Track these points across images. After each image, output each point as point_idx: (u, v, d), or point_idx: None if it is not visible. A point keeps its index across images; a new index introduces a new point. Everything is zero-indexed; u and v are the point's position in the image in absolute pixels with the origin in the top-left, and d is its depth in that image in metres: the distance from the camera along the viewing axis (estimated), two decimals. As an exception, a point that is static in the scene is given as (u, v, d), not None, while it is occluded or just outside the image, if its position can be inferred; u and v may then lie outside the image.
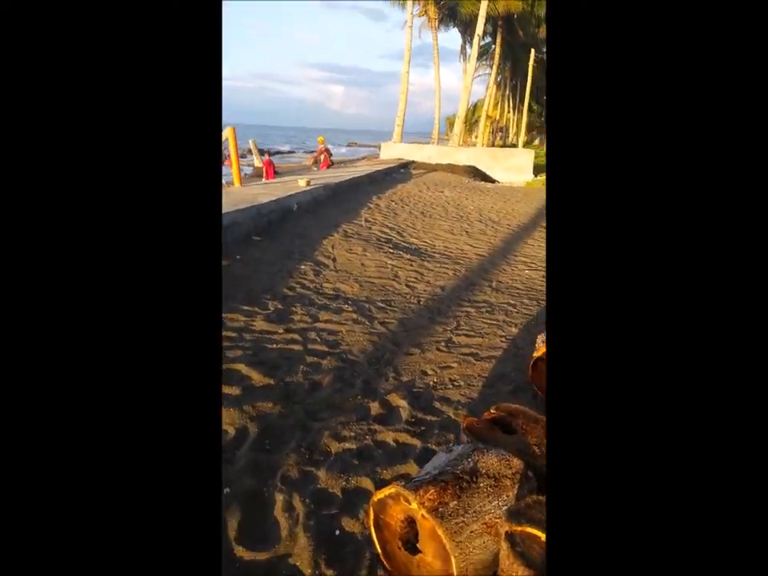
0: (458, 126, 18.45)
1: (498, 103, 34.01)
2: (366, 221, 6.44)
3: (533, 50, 15.71)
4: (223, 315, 3.05)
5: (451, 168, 13.80)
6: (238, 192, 6.24)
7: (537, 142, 40.47)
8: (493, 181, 13.66)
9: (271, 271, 4.10)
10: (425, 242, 5.63)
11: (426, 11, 19.96)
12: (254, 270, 4.09)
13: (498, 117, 36.66)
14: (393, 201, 8.21)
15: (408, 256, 4.89)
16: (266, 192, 6.25)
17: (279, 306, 3.31)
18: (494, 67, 23.69)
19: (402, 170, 13.24)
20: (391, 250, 5.04)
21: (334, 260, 4.58)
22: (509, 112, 39.73)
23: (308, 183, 7.14)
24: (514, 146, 24.38)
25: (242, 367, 2.41)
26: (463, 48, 28.67)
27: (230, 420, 1.97)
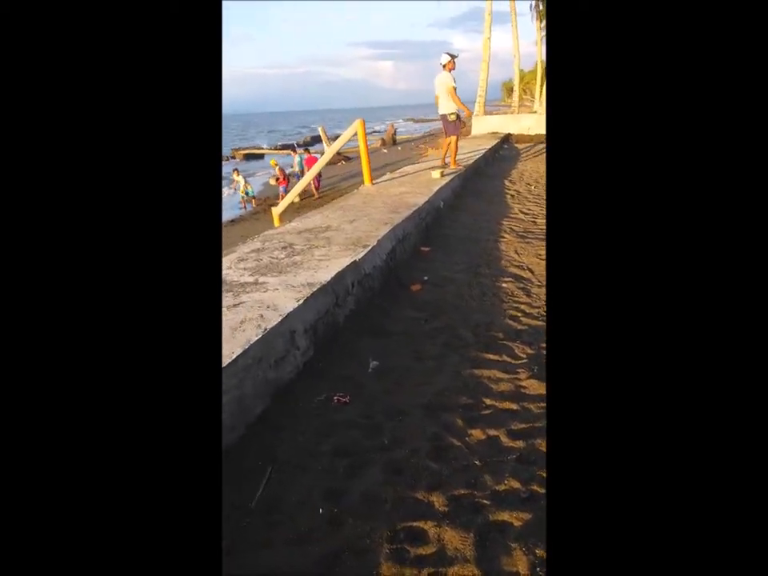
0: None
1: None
2: (522, 212, 5.59)
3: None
4: (473, 371, 2.39)
5: (559, 137, 12.50)
6: (378, 193, 5.57)
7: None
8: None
9: (472, 294, 3.39)
10: (611, 234, 4.71)
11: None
12: (455, 294, 3.39)
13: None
14: (528, 183, 7.27)
15: (615, 258, 4.02)
16: (408, 190, 5.54)
17: (529, 351, 2.59)
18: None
19: (506, 146, 12.15)
20: (588, 251, 4.18)
21: (532, 271, 3.80)
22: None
23: (442, 174, 6.37)
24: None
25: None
26: (537, 6, 26.58)
27: None
